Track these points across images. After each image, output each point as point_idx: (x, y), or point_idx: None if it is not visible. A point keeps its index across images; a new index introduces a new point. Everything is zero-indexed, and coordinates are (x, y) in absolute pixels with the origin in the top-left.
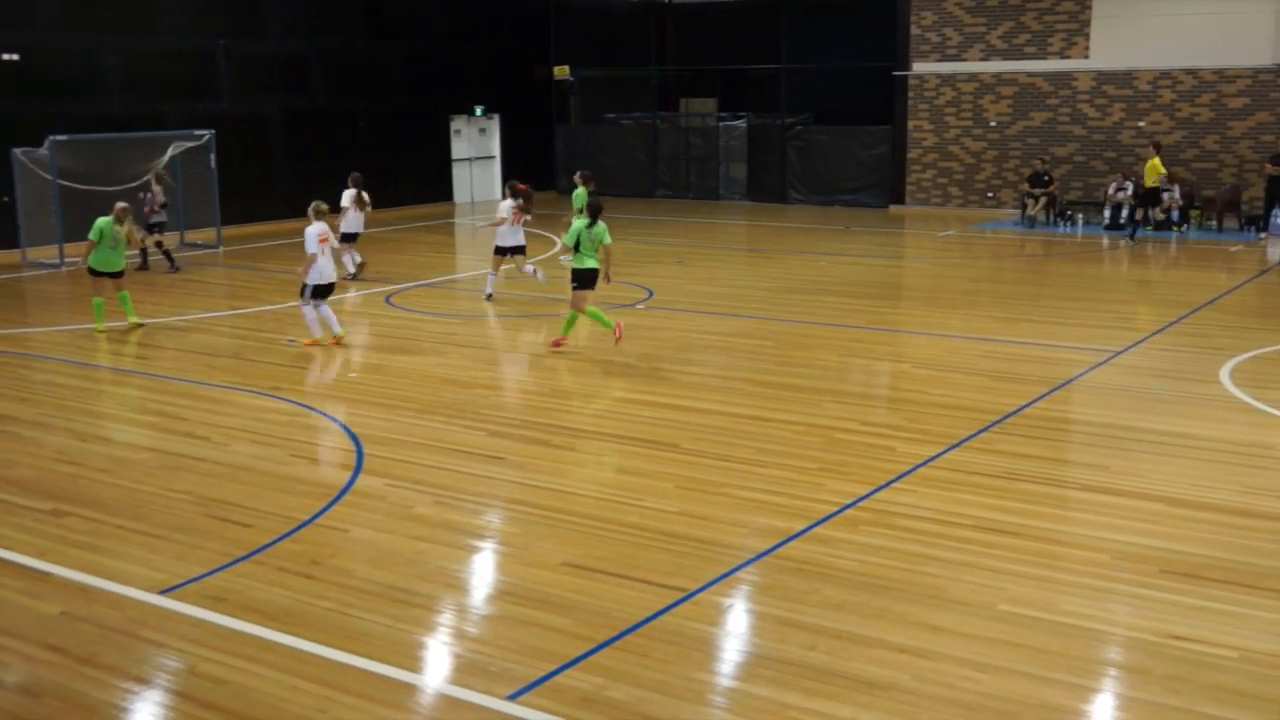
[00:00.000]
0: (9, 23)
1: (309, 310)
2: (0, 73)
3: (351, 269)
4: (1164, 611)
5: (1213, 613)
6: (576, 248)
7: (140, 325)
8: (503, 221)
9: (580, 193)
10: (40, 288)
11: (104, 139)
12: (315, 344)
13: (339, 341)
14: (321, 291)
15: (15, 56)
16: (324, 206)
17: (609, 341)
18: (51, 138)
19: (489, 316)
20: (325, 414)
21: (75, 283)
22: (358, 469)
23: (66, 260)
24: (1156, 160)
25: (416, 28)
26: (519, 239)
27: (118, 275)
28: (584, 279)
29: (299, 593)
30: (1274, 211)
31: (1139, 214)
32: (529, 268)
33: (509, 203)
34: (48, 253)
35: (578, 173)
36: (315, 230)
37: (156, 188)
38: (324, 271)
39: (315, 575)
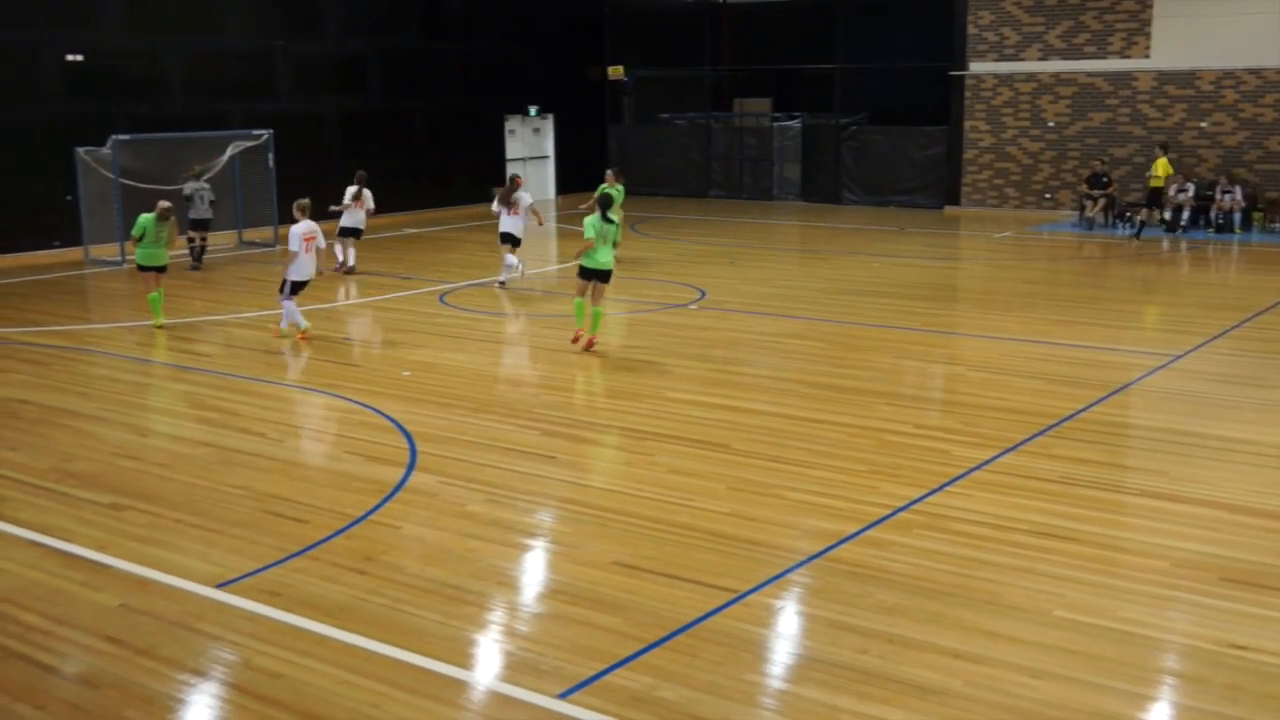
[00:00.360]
0: (73, 24)
1: (289, 303)
2: (65, 74)
3: (344, 261)
4: (1223, 620)
5: (1273, 621)
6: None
7: (161, 327)
8: (496, 213)
9: (613, 191)
10: (101, 284)
11: (165, 138)
12: (304, 336)
13: (306, 336)
14: (298, 287)
15: (79, 57)
16: (304, 202)
17: (660, 340)
18: (114, 137)
19: (533, 315)
20: (379, 411)
21: (135, 280)
22: (411, 466)
23: (127, 258)
24: (1163, 160)
25: (472, 28)
26: (506, 228)
27: (161, 270)
28: (591, 274)
29: (353, 588)
30: None
31: (1143, 214)
32: (511, 259)
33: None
34: (109, 250)
35: (609, 169)
36: (300, 229)
37: (189, 183)
38: (304, 269)
39: (369, 571)
